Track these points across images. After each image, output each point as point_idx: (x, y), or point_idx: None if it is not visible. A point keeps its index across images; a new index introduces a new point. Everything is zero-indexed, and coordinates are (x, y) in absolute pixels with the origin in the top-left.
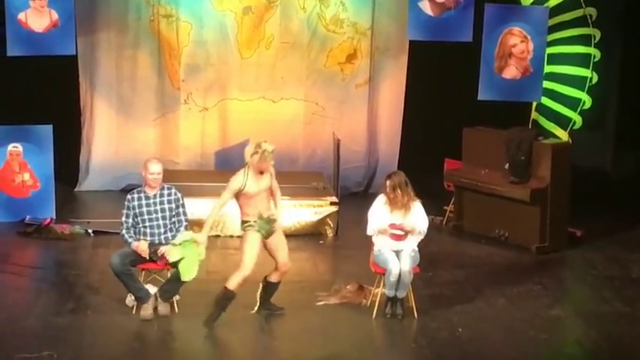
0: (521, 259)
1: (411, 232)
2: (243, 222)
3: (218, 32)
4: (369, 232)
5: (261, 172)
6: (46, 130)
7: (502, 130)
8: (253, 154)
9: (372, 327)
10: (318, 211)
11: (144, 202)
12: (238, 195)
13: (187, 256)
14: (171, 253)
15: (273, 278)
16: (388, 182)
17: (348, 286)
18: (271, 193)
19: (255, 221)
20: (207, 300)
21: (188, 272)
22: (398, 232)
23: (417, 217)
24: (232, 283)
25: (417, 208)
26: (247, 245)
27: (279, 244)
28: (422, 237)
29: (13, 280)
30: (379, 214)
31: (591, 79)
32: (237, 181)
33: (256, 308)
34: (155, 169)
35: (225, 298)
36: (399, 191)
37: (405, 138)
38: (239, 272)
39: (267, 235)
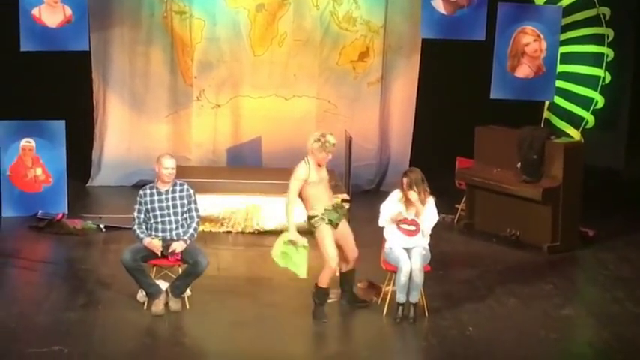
0: (532, 259)
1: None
2: (311, 217)
3: (231, 29)
4: (381, 223)
5: (319, 165)
6: (59, 126)
7: (514, 129)
8: (315, 141)
9: (382, 325)
10: None
11: (156, 197)
12: (303, 187)
13: (293, 258)
14: (280, 263)
15: (344, 268)
16: (405, 180)
17: (359, 284)
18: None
19: (323, 213)
20: (218, 296)
21: (302, 270)
22: (410, 227)
23: (427, 213)
24: (324, 281)
25: (429, 204)
26: (323, 240)
27: (345, 233)
28: (431, 225)
29: (25, 275)
30: (392, 208)
31: (604, 78)
32: (301, 169)
33: (340, 296)
34: (169, 164)
35: (322, 295)
36: (415, 189)
37: (417, 136)
38: (326, 269)
39: (337, 223)
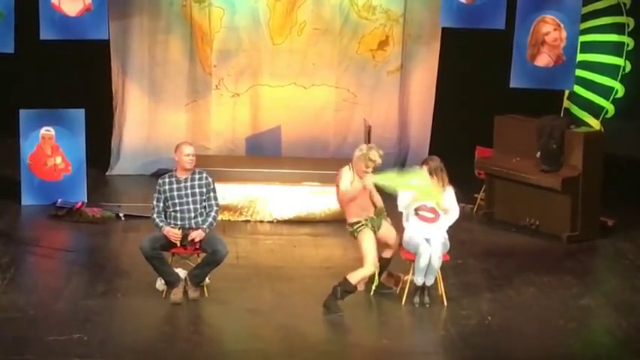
0: (551, 248)
1: (445, 212)
2: (354, 223)
3: (250, 18)
4: (400, 208)
5: (359, 175)
6: (78, 114)
7: (534, 118)
8: (359, 150)
9: (401, 314)
10: None
11: (175, 186)
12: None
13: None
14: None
15: (386, 254)
16: (424, 167)
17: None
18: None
19: (366, 220)
20: (237, 284)
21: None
22: (428, 214)
23: (449, 203)
24: (354, 278)
25: (449, 193)
26: (366, 244)
27: (387, 232)
28: (452, 221)
29: (44, 263)
30: (409, 195)
31: (624, 67)
32: (346, 175)
33: (373, 287)
34: (190, 150)
35: (345, 290)
36: (434, 177)
37: (437, 125)
38: (363, 270)
39: (378, 228)
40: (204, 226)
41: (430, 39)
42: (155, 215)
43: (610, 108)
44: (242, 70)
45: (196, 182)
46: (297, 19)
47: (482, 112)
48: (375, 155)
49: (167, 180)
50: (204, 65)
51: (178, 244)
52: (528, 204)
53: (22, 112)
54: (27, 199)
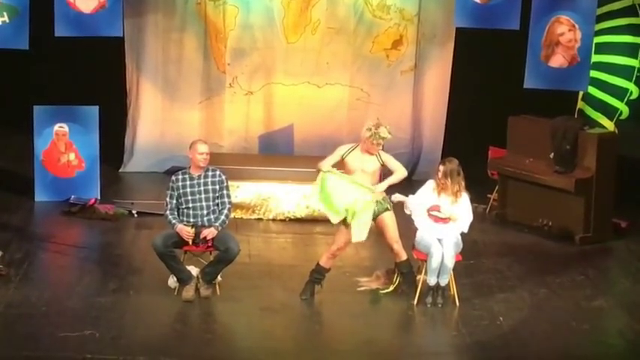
0: (564, 249)
1: (453, 221)
2: None
3: (264, 16)
4: (406, 210)
5: (370, 153)
6: (92, 111)
7: (548, 119)
8: (367, 129)
9: (413, 314)
10: None
11: (188, 182)
12: (342, 167)
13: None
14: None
15: (397, 259)
16: (441, 168)
17: (377, 272)
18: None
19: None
20: (249, 282)
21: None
22: (440, 214)
23: (462, 211)
24: (321, 259)
25: (464, 201)
26: (341, 226)
27: (385, 224)
28: (464, 229)
29: (57, 260)
30: (423, 196)
31: (639, 69)
32: (343, 146)
33: (391, 288)
34: (204, 149)
35: (315, 271)
36: (449, 180)
37: (450, 125)
38: (329, 247)
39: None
40: (217, 224)
41: (444, 39)
42: (168, 212)
43: (624, 109)
44: (256, 69)
45: (209, 180)
46: (311, 17)
47: (495, 113)
48: (385, 132)
49: (180, 177)
50: (218, 63)
51: (190, 242)
52: (541, 205)
53: (36, 109)
54: (40, 196)
